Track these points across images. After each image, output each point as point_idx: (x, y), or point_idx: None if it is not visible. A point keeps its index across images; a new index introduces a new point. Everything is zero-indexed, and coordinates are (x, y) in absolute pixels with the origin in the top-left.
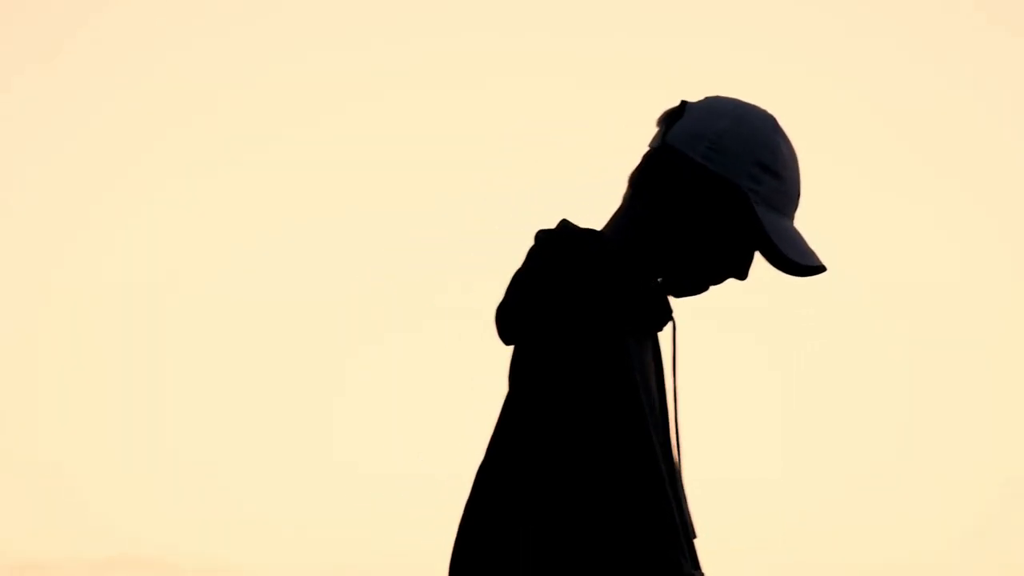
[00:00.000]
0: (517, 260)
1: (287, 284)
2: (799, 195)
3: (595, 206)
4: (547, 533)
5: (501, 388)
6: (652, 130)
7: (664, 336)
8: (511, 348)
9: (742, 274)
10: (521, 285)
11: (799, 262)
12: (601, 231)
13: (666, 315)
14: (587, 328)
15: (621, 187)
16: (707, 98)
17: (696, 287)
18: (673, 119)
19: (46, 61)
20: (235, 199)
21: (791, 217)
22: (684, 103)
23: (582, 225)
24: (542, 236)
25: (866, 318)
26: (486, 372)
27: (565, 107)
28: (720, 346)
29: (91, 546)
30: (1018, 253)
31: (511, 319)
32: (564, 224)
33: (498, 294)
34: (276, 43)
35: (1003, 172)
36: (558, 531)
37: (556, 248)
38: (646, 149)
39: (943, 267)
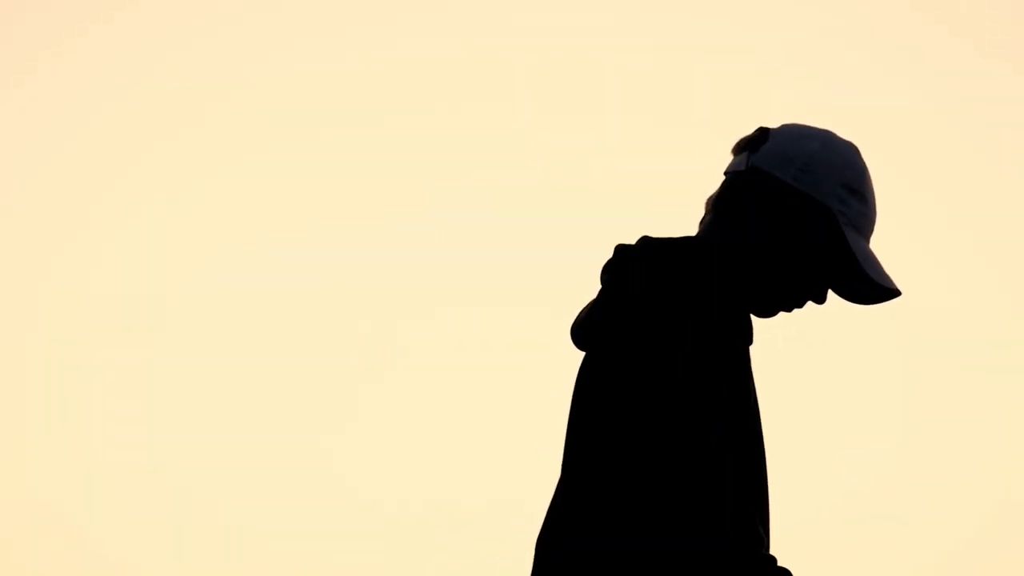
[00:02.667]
0: (514, 263)
1: (287, 288)
2: (876, 220)
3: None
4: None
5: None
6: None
7: None
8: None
9: (821, 297)
10: (621, 295)
11: (880, 283)
12: (688, 238)
13: (751, 332)
14: (703, 339)
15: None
16: (786, 125)
17: (779, 308)
18: (755, 144)
19: (42, 61)
20: (233, 202)
21: (869, 241)
22: (765, 129)
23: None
24: (625, 250)
25: (853, 332)
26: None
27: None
28: None
29: (81, 563)
30: (997, 260)
31: (606, 328)
32: (648, 239)
33: (507, 301)
34: (278, 43)
35: (976, 184)
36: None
37: (658, 258)
38: (722, 176)
39: (923, 278)
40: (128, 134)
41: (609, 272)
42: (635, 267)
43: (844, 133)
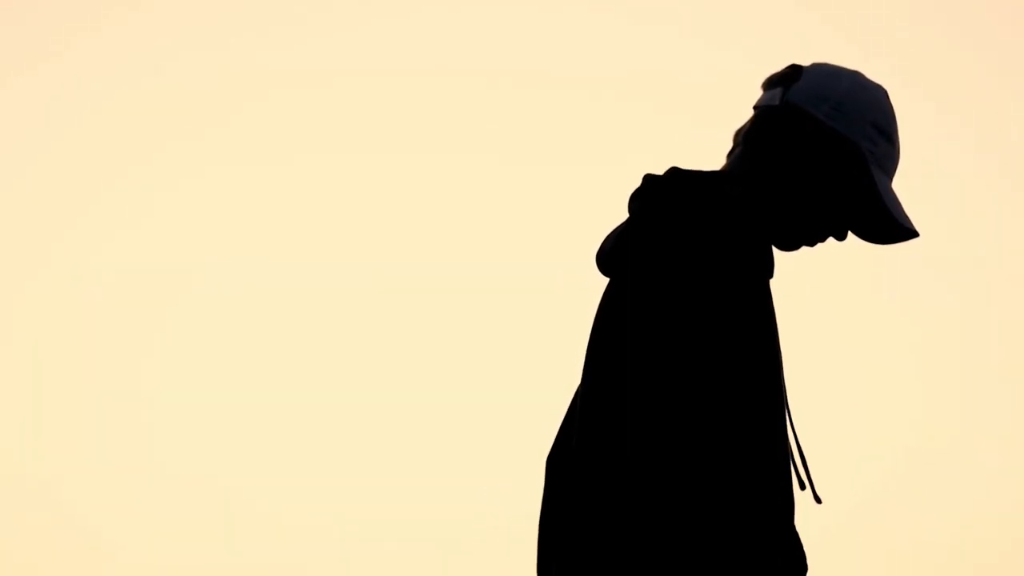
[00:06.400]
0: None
1: (285, 286)
2: (899, 161)
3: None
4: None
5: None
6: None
7: None
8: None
9: (843, 234)
10: (645, 223)
11: (902, 223)
12: (715, 172)
13: (773, 266)
14: (727, 270)
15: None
16: (816, 64)
17: (802, 242)
18: (787, 80)
19: (50, 57)
20: (233, 202)
21: (892, 181)
22: (797, 66)
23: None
24: (656, 180)
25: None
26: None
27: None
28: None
29: (82, 551)
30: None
31: (633, 256)
32: (677, 170)
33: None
34: (288, 44)
35: None
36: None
37: (682, 189)
38: (751, 110)
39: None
40: (129, 135)
41: (637, 200)
42: (663, 197)
43: None
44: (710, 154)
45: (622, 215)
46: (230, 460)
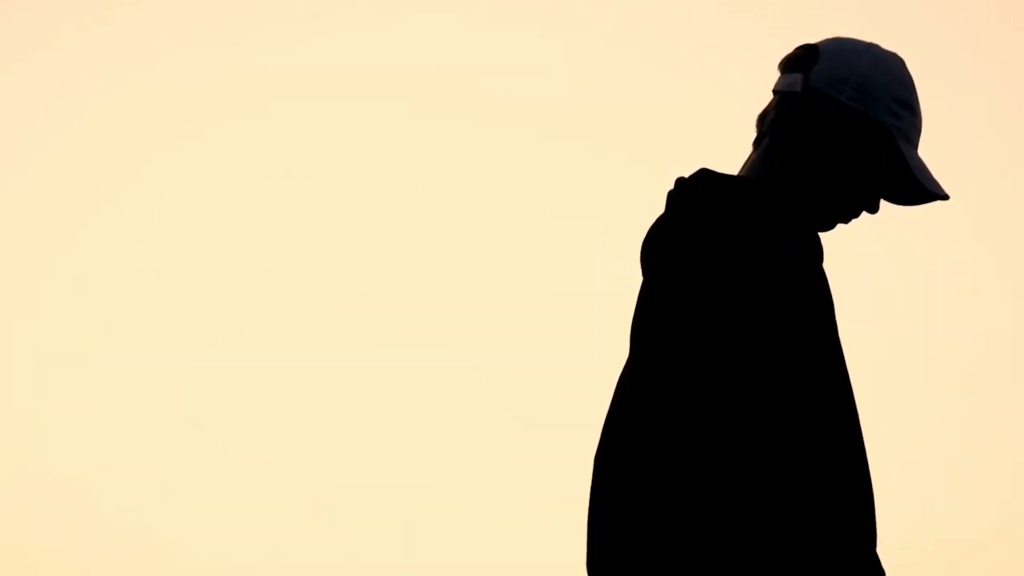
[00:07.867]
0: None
1: (293, 283)
2: (922, 127)
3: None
4: (726, 505)
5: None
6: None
7: None
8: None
9: (876, 207)
10: (681, 226)
11: (932, 191)
12: (743, 176)
13: (821, 251)
14: (770, 273)
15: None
16: (833, 40)
17: (837, 221)
18: (806, 64)
19: (50, 57)
20: (241, 202)
21: (918, 148)
22: (813, 47)
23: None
24: (686, 183)
25: None
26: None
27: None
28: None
29: (99, 542)
30: None
31: (670, 262)
32: (706, 172)
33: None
34: (295, 42)
35: None
36: (740, 507)
37: (712, 193)
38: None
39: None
40: (127, 135)
41: (671, 205)
42: (697, 204)
43: None
44: (711, 152)
45: (624, 215)
46: (241, 458)
